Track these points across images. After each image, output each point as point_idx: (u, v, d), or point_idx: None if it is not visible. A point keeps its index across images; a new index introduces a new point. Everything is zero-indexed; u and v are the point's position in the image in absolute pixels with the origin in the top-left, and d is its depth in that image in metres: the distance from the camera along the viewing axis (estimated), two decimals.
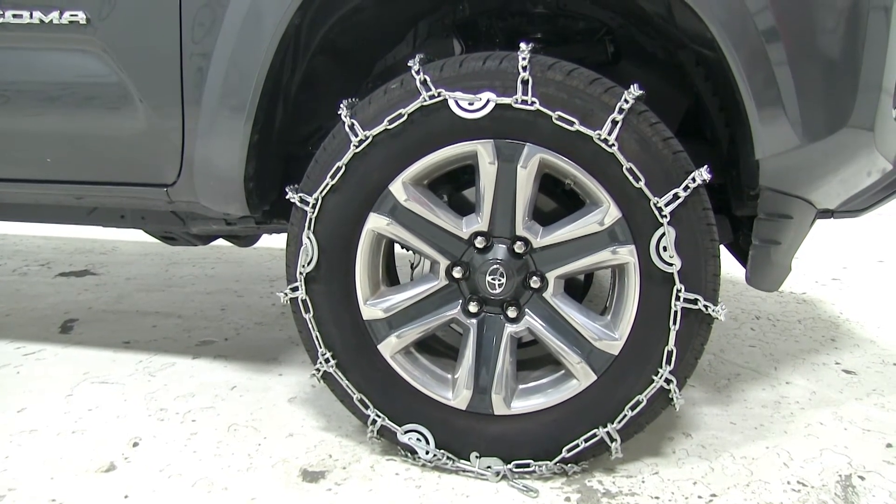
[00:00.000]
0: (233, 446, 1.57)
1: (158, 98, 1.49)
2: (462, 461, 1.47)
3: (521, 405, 1.45)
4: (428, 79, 1.33)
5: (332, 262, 1.44)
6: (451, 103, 1.32)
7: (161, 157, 1.53)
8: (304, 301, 1.46)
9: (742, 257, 1.66)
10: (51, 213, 1.79)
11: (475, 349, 1.44)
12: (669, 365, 1.36)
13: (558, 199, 1.56)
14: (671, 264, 1.32)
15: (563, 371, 1.45)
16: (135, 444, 1.58)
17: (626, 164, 1.29)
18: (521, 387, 1.47)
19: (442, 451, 1.47)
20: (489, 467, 1.45)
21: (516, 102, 1.30)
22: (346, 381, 1.48)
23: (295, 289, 1.46)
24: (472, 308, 1.43)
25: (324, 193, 1.40)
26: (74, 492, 1.40)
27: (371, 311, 1.45)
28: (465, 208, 1.44)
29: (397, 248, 1.65)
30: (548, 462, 1.44)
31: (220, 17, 1.41)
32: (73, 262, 3.20)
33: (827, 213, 1.50)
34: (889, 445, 1.61)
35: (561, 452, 1.43)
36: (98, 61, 1.50)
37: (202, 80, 1.45)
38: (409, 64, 1.35)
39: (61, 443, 1.58)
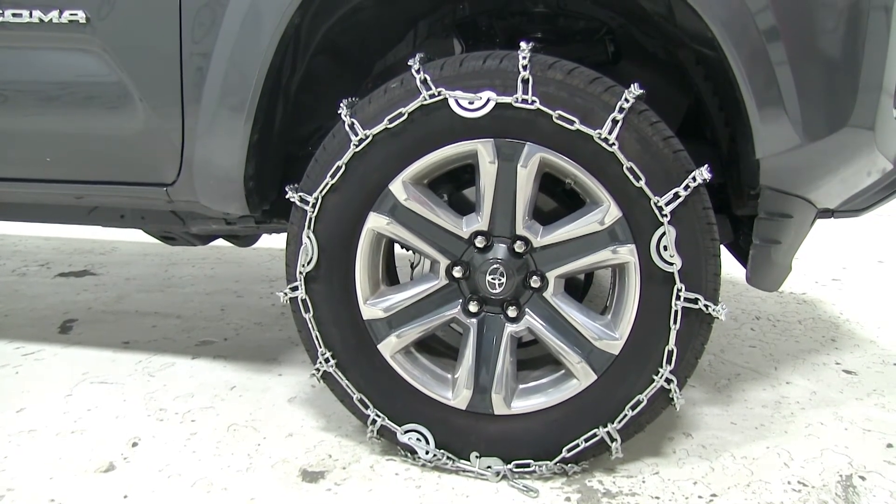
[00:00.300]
0: (232, 446, 1.57)
1: (158, 98, 1.48)
2: (462, 461, 1.46)
3: (521, 405, 1.45)
4: (428, 78, 1.33)
5: (331, 262, 1.43)
6: (452, 102, 1.32)
7: (161, 157, 1.53)
8: (303, 301, 1.46)
9: (742, 257, 1.66)
10: (50, 213, 1.79)
11: (475, 349, 1.44)
12: (670, 365, 1.36)
13: (558, 199, 1.56)
14: (672, 264, 1.31)
15: (563, 371, 1.44)
16: (134, 444, 1.58)
17: (626, 164, 1.29)
18: (521, 386, 1.47)
19: (442, 450, 1.47)
20: (489, 467, 1.45)
21: (516, 101, 1.30)
22: (346, 381, 1.48)
23: (295, 288, 1.46)
24: (473, 307, 1.43)
25: (324, 193, 1.40)
26: (73, 492, 1.40)
27: (371, 310, 1.45)
28: (465, 208, 1.44)
29: (397, 247, 1.65)
30: (548, 462, 1.44)
31: (220, 17, 1.41)
32: (72, 263, 3.20)
33: (827, 213, 1.50)
34: (890, 445, 1.61)
35: (561, 452, 1.43)
36: (98, 61, 1.49)
37: (202, 79, 1.44)
38: (409, 63, 1.35)
39: (60, 443, 1.58)
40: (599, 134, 1.28)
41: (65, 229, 3.81)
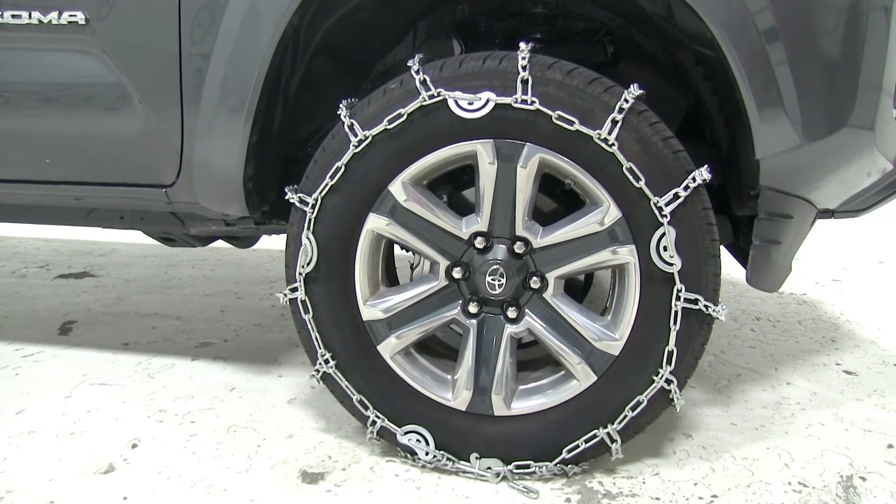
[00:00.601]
0: (232, 448, 1.57)
1: (157, 99, 1.48)
2: (462, 462, 1.46)
3: (521, 406, 1.44)
4: (427, 79, 1.33)
5: (331, 263, 1.43)
6: (451, 103, 1.32)
7: (160, 158, 1.52)
8: (303, 302, 1.46)
9: (742, 258, 1.65)
10: (50, 214, 1.79)
11: (475, 350, 1.44)
12: (670, 365, 1.36)
13: (558, 200, 1.56)
14: (671, 264, 1.31)
15: (563, 372, 1.44)
16: (134, 446, 1.58)
17: (626, 164, 1.29)
18: (521, 387, 1.47)
19: (442, 452, 1.46)
20: (489, 468, 1.45)
21: (516, 102, 1.29)
22: (346, 382, 1.48)
23: (294, 289, 1.46)
24: (472, 308, 1.43)
25: (323, 194, 1.40)
26: (73, 493, 1.39)
27: (371, 311, 1.45)
28: (464, 208, 1.44)
29: (397, 248, 1.65)
30: (548, 463, 1.43)
31: (219, 18, 1.41)
32: (71, 264, 3.19)
33: (827, 214, 1.50)
34: (890, 446, 1.61)
35: (561, 453, 1.43)
36: (97, 62, 1.49)
37: (201, 80, 1.44)
38: (408, 64, 1.35)
39: (60, 444, 1.58)
40: (599, 134, 1.28)
41: (64, 231, 3.81)
